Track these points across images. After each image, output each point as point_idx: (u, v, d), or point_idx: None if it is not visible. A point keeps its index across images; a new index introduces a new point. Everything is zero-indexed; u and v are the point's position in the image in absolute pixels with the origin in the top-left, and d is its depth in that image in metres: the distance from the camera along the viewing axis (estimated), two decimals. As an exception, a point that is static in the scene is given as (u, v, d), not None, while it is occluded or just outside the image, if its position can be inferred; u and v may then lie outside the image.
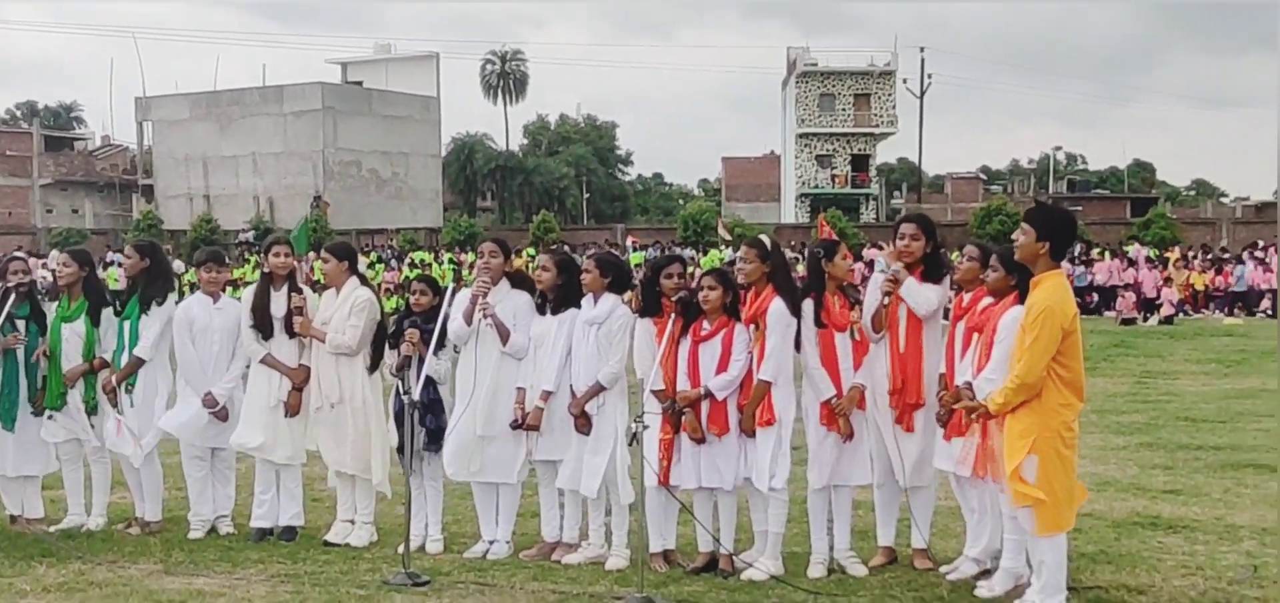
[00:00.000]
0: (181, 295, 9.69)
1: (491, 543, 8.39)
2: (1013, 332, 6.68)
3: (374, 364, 8.67)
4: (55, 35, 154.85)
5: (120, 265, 23.61)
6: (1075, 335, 6.47)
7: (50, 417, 9.22)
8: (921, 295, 7.57)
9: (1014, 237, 6.69)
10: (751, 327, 7.58)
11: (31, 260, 27.26)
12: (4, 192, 73.63)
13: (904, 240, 7.72)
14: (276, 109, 67.13)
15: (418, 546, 8.36)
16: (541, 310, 8.24)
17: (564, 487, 8.16)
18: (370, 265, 42.86)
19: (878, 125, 77.70)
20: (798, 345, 7.55)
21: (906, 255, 7.67)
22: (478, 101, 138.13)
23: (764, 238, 7.88)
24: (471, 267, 37.39)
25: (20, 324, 9.13)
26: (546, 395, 8.01)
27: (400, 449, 8.21)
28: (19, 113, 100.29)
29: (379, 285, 36.83)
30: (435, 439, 8.45)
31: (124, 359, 8.99)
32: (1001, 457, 6.59)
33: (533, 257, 34.93)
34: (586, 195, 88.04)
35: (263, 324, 8.76)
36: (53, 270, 9.16)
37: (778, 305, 7.45)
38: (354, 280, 8.76)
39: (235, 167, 67.55)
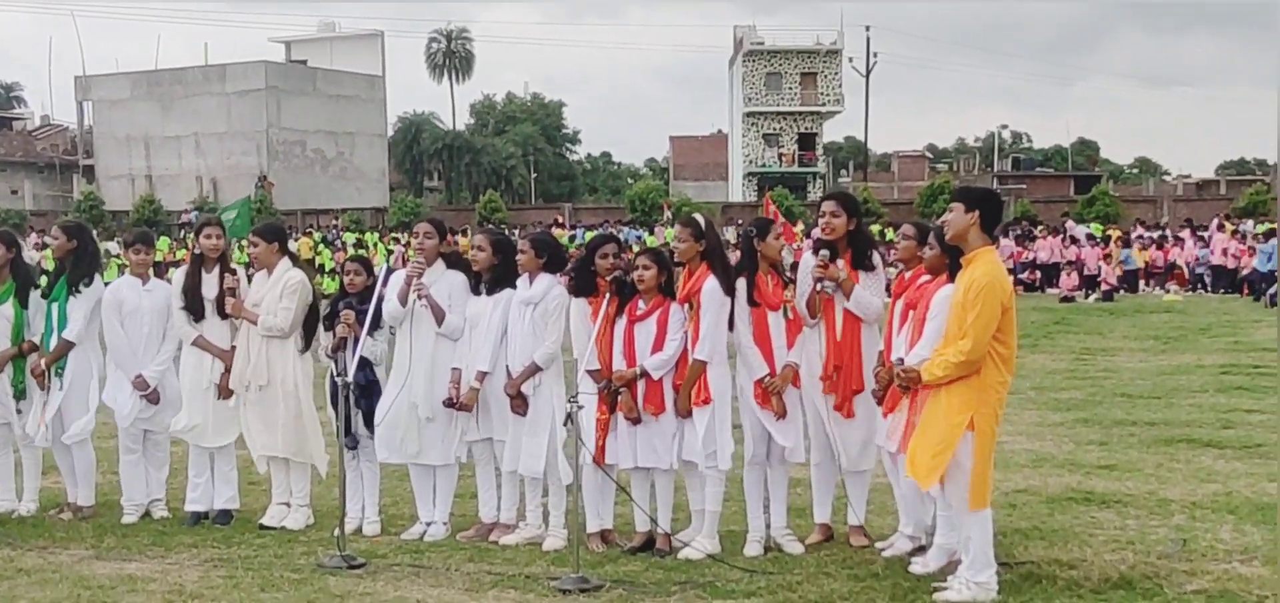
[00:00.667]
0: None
1: (428, 525, 8.35)
2: (944, 309, 6.71)
3: (306, 345, 8.61)
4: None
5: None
6: (1011, 312, 6.51)
7: (-22, 402, 9.10)
8: (869, 305, 7.58)
9: (943, 218, 6.72)
10: (686, 306, 7.58)
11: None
12: (-59, 173, 72.52)
13: (825, 218, 7.71)
14: (219, 88, 66.52)
15: (354, 528, 8.33)
16: (477, 291, 8.21)
17: (505, 469, 8.13)
18: (314, 247, 42.53)
19: (824, 104, 77.92)
20: (732, 324, 7.57)
21: (828, 233, 7.67)
22: (423, 81, 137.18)
23: (698, 217, 7.89)
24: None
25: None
26: (482, 376, 7.98)
27: (338, 433, 8.14)
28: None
29: (317, 265, 36.61)
30: (372, 421, 8.40)
31: (52, 342, 8.89)
32: (925, 432, 6.61)
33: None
34: (534, 175, 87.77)
35: (194, 306, 8.68)
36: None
37: (711, 284, 7.45)
38: (285, 261, 8.68)
39: (178, 147, 66.88)
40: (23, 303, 9.05)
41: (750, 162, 77.52)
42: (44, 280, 9.24)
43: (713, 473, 7.57)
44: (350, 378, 7.87)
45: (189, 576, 7.38)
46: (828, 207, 7.77)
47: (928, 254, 7.25)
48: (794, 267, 8.06)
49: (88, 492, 9.13)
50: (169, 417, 8.88)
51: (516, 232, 29.35)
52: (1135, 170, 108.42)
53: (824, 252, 7.61)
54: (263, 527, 8.58)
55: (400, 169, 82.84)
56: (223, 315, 8.68)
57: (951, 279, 6.82)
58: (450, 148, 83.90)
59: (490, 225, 38.52)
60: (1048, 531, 8.02)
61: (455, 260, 8.40)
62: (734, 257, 7.99)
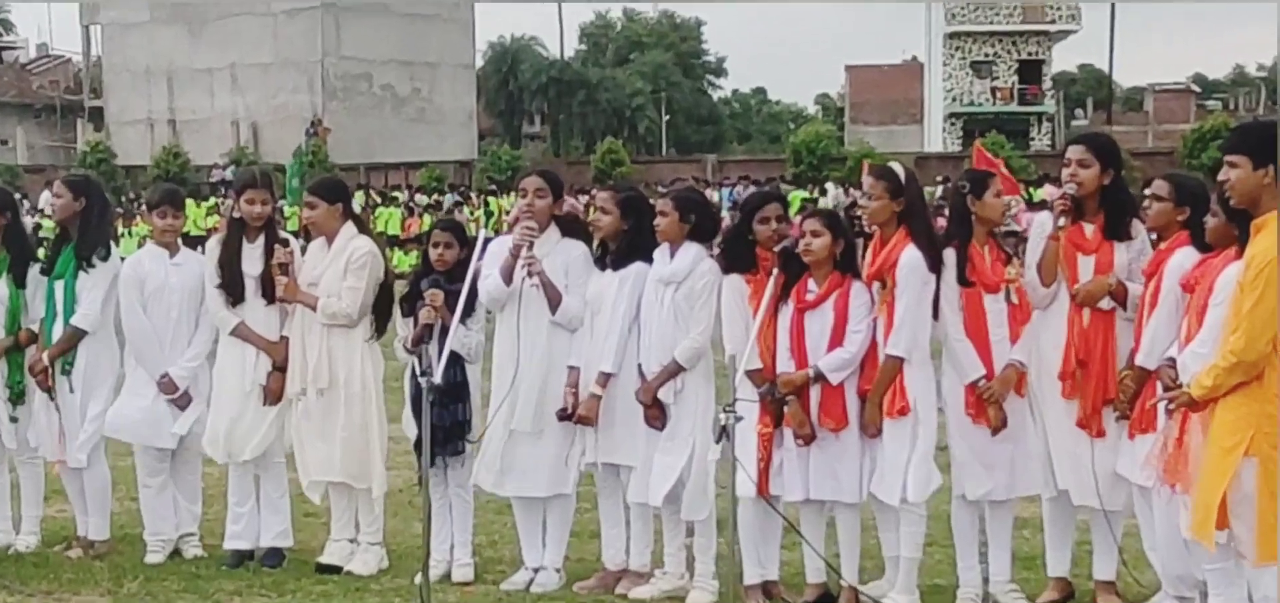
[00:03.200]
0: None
1: (537, 571, 8.44)
2: (1231, 293, 6.56)
3: (377, 331, 8.74)
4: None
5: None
6: (1313, 297, 6.35)
7: (-36, 410, 9.33)
8: (1136, 297, 7.48)
9: (1221, 176, 6.54)
10: (876, 286, 7.56)
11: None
12: (-89, 118, 74.83)
13: (1070, 168, 7.60)
14: (262, 8, 67.44)
15: (440, 574, 8.43)
16: (601, 265, 8.26)
17: (633, 499, 8.17)
18: (408, 213, 43.09)
19: (1053, 21, 76.93)
20: (936, 311, 7.52)
21: (1074, 182, 7.54)
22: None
23: (896, 167, 7.83)
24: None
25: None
26: (606, 379, 8.02)
27: (418, 446, 8.23)
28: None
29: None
30: (457, 435, 8.47)
31: (57, 331, 9.08)
32: (1198, 461, 6.48)
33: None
34: (666, 117, 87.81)
35: (233, 285, 8.81)
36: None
37: (911, 256, 7.39)
38: (349, 228, 8.78)
39: (209, 83, 68.02)
40: (19, 282, 9.21)
41: (954, 98, 76.83)
42: (43, 253, 9.45)
43: (911, 509, 7.54)
44: (437, 379, 7.91)
45: (230, 632, 7.55)
46: (1075, 153, 7.66)
47: (1210, 223, 7.10)
48: (1013, 235, 7.98)
49: (102, 523, 9.31)
50: (203, 428, 9.03)
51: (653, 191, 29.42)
52: None
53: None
54: (321, 568, 8.73)
55: (493, 111, 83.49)
56: (270, 299, 8.83)
57: (1242, 253, 6.66)
58: (557, 82, 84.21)
59: (615, 182, 38.64)
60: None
61: (572, 227, 8.46)
62: (940, 224, 7.94)
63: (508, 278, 8.21)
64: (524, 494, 8.39)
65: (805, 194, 42.55)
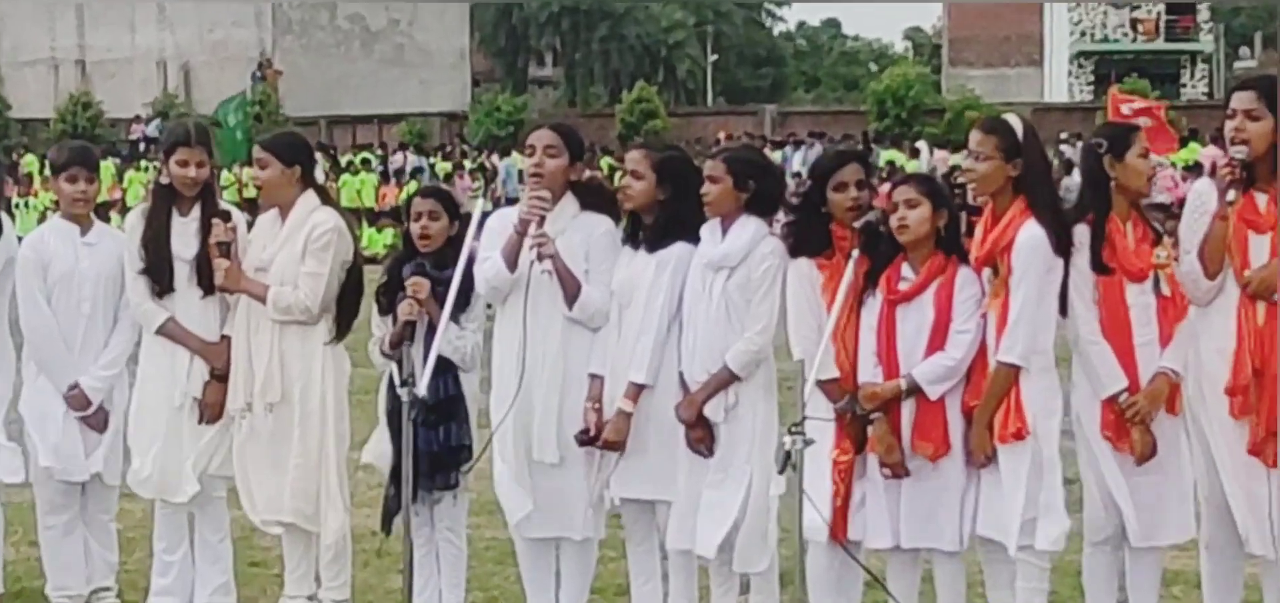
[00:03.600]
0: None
1: (547, 635, 8.46)
2: None
3: (340, 333, 8.74)
4: None
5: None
6: None
7: None
8: None
9: None
10: (986, 272, 7.55)
11: None
12: None
13: (1236, 121, 7.53)
14: (195, -82, 67.77)
15: (425, 640, 8.45)
16: (632, 245, 8.25)
17: (673, 546, 8.18)
18: (382, 179, 43.18)
19: (1212, -66, 76.82)
20: (1063, 306, 7.50)
21: (1241, 141, 7.50)
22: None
23: (1011, 120, 7.78)
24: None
25: None
26: (638, 391, 8.02)
27: (396, 477, 8.25)
28: None
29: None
30: (447, 464, 8.48)
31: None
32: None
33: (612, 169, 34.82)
34: (713, 58, 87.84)
35: (160, 270, 8.82)
36: None
37: (1032, 234, 7.37)
38: (309, 198, 8.78)
39: (129, 15, 68.26)
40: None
41: (1083, 34, 76.70)
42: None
43: (1030, 557, 7.52)
44: (422, 392, 7.93)
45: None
46: (1241, 102, 7.58)
47: None
48: (1163, 208, 7.96)
49: (-10, 574, 9.39)
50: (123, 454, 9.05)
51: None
52: None
53: (1228, 172, 7.42)
54: (272, 635, 8.77)
55: (491, 50, 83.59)
56: (208, 288, 8.84)
57: None
58: (573, 12, 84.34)
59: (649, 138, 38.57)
60: None
61: (595, 197, 8.46)
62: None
63: (512, 262, 8.17)
64: (541, 535, 8.39)
65: (893, 155, 42.48)
